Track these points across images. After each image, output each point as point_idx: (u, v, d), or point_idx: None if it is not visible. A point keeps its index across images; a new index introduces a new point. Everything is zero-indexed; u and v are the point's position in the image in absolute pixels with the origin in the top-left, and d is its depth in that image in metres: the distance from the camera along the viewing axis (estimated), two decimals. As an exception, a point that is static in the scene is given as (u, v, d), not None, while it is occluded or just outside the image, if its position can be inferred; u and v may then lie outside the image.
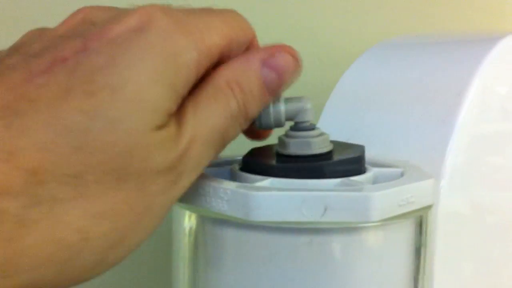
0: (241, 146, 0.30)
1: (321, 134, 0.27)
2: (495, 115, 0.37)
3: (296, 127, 0.27)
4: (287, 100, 0.27)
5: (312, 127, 0.27)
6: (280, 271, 0.24)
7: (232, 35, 0.23)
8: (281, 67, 0.23)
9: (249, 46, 0.24)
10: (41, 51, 0.20)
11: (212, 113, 0.22)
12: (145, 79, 0.19)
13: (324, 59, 0.58)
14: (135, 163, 0.19)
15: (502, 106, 0.37)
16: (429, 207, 0.26)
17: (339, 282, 0.24)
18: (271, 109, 0.26)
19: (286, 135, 0.27)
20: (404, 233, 0.26)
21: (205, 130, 0.21)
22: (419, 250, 0.27)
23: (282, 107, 0.26)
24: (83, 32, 0.20)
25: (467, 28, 0.70)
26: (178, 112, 0.21)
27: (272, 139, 0.29)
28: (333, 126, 0.37)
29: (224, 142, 0.23)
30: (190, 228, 0.27)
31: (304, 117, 0.27)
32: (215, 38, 0.22)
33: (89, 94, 0.19)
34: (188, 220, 0.27)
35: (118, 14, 0.21)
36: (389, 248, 0.26)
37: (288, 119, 0.27)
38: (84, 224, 0.19)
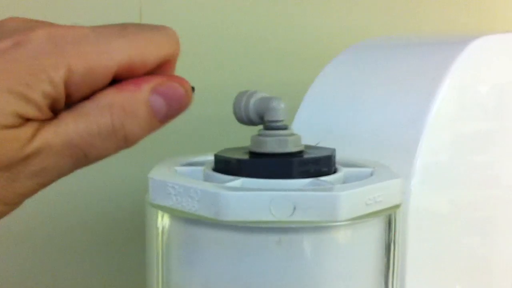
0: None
1: (293, 134, 0.28)
2: (475, 114, 0.37)
3: (269, 126, 0.27)
4: (261, 99, 0.28)
5: (284, 127, 0.27)
6: (251, 269, 0.25)
7: (133, 55, 0.24)
8: (170, 95, 0.25)
9: (164, 64, 0.25)
10: None
11: (76, 127, 0.23)
12: None
13: (300, 60, 0.58)
14: None
15: (482, 105, 0.38)
16: (397, 206, 0.27)
17: (309, 280, 0.25)
18: (243, 108, 0.27)
19: (259, 134, 0.28)
20: (373, 232, 0.27)
21: (61, 142, 0.23)
22: (388, 247, 0.28)
23: (253, 106, 0.27)
24: None
25: (449, 27, 0.70)
26: (52, 120, 0.23)
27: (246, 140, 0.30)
28: (307, 127, 0.38)
29: (87, 157, 0.24)
30: (163, 228, 0.27)
31: (276, 116, 0.27)
32: (104, 59, 0.23)
33: None
34: (161, 220, 0.27)
35: (16, 29, 0.23)
36: (359, 246, 0.26)
37: (261, 118, 0.28)
38: None
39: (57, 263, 0.51)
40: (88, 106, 0.24)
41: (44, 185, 0.24)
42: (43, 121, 0.23)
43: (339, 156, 0.29)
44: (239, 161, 0.27)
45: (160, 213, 0.26)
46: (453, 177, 0.36)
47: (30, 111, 0.22)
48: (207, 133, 0.54)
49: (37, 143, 0.22)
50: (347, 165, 0.29)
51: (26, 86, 0.22)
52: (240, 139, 0.31)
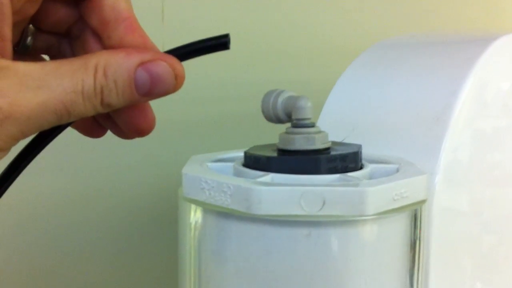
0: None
1: (320, 131, 0.28)
2: (496, 111, 0.37)
3: (296, 124, 0.28)
4: (288, 98, 0.29)
5: (311, 125, 0.28)
6: (280, 262, 0.25)
7: None
8: (157, 75, 0.24)
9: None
10: None
11: (62, 85, 0.23)
12: None
13: (324, 59, 0.59)
14: None
15: (504, 102, 0.38)
16: (422, 201, 0.27)
17: (337, 273, 0.26)
18: (271, 106, 0.28)
19: (286, 131, 0.29)
20: (399, 227, 0.27)
21: (48, 96, 0.23)
22: (414, 244, 0.28)
23: (281, 105, 0.28)
24: None
25: (466, 26, 0.71)
26: (36, 62, 0.23)
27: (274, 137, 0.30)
28: (332, 125, 0.38)
29: (69, 114, 0.23)
30: (196, 222, 0.28)
31: (303, 115, 0.28)
32: None
33: None
34: (193, 214, 0.28)
35: None
36: (385, 241, 0.27)
37: (289, 116, 0.28)
38: None
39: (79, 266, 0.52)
40: (77, 63, 0.24)
41: (25, 136, 0.23)
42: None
43: (365, 153, 0.29)
44: (268, 157, 0.28)
45: (193, 207, 0.27)
46: (474, 175, 0.36)
47: None
48: (234, 130, 0.55)
49: (18, 89, 0.22)
50: (374, 161, 0.30)
51: None
52: (264, 137, 0.32)
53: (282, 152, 0.28)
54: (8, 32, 0.23)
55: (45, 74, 0.23)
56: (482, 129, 0.37)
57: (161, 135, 0.51)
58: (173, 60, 0.25)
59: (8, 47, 0.24)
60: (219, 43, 0.26)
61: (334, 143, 0.29)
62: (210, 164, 0.29)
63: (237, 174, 0.28)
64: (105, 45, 0.27)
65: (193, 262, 0.28)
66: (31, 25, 0.28)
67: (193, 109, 0.52)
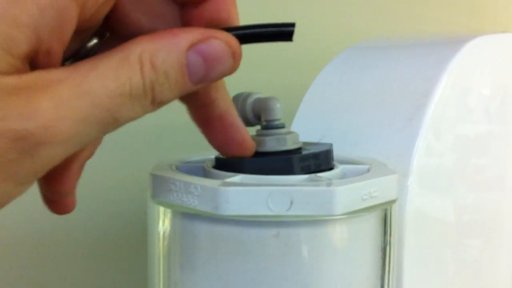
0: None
1: (290, 132, 0.28)
2: (473, 113, 0.38)
3: (266, 126, 0.28)
4: (257, 100, 0.29)
5: (281, 125, 0.28)
6: (249, 262, 0.25)
7: None
8: (211, 55, 0.20)
9: None
10: None
11: (105, 88, 0.19)
12: None
13: (298, 63, 0.59)
14: None
15: (479, 104, 0.38)
16: (392, 201, 0.27)
17: (306, 273, 0.25)
18: (239, 109, 0.27)
19: (257, 133, 0.28)
20: (369, 227, 0.27)
21: (89, 104, 0.18)
22: (384, 244, 0.28)
23: (250, 107, 0.28)
24: None
25: (449, 29, 0.71)
26: (68, 67, 0.19)
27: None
28: (306, 127, 0.38)
29: (115, 121, 0.19)
30: (164, 224, 0.27)
31: (273, 116, 0.28)
32: None
33: None
34: (162, 216, 0.27)
35: None
36: (355, 241, 0.27)
37: (257, 118, 0.28)
38: None
39: (59, 267, 0.52)
40: (117, 58, 0.19)
41: (63, 157, 0.19)
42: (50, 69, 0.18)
43: (337, 155, 0.29)
44: (238, 159, 0.27)
45: (161, 209, 0.27)
46: (456, 179, 0.36)
47: (25, 42, 0.17)
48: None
49: (53, 105, 0.18)
50: (345, 162, 0.30)
51: (11, 1, 0.17)
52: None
53: (254, 153, 0.28)
54: (58, 49, 0.19)
55: (82, 78, 0.18)
56: (461, 132, 0.37)
57: (143, 139, 0.50)
58: (227, 35, 0.21)
59: (55, 63, 0.19)
60: (284, 32, 0.22)
61: (305, 143, 0.29)
62: (179, 165, 0.29)
63: (206, 175, 0.28)
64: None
65: (162, 266, 0.28)
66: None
67: (170, 112, 0.52)
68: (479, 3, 0.78)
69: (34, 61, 0.18)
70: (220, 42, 0.21)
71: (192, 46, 0.20)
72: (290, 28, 0.22)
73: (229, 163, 0.28)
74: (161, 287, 0.28)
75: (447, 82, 0.35)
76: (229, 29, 0.22)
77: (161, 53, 0.20)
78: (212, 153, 0.30)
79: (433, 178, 0.35)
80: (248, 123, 0.29)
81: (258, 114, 0.28)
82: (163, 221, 0.27)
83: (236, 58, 0.21)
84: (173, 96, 0.20)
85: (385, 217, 0.28)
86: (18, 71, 0.18)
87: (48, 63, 0.19)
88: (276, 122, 0.28)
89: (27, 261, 0.50)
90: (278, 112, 0.28)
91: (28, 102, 0.17)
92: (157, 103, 0.20)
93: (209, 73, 0.21)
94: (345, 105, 0.38)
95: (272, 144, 0.28)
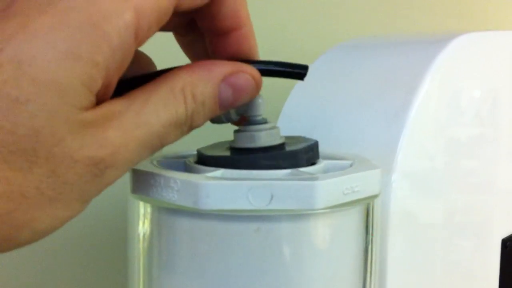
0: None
1: (273, 127, 0.28)
2: (458, 111, 0.37)
3: (249, 121, 0.28)
4: None
5: (264, 121, 0.28)
6: (230, 257, 0.25)
7: None
8: (240, 86, 0.24)
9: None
10: None
11: (158, 118, 0.21)
12: (54, 54, 0.18)
13: (285, 60, 0.59)
14: (44, 147, 0.18)
15: (476, 110, 0.38)
16: (374, 196, 0.27)
17: (287, 268, 0.25)
18: None
19: (240, 129, 0.28)
20: (351, 222, 0.27)
21: (146, 133, 0.21)
22: (366, 240, 0.28)
23: None
24: None
25: (439, 29, 0.71)
26: (124, 99, 0.21)
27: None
28: (291, 124, 0.38)
29: (161, 146, 0.22)
30: (145, 219, 0.27)
31: (255, 112, 0.28)
32: None
33: None
34: (143, 211, 0.27)
35: None
36: (336, 236, 0.26)
37: (240, 114, 0.28)
38: None
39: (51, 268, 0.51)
40: (164, 90, 0.22)
41: (121, 176, 0.21)
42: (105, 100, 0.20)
43: (321, 151, 0.29)
44: (220, 154, 0.27)
45: (142, 204, 0.27)
46: (445, 181, 0.36)
47: (99, 81, 0.19)
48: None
49: (122, 132, 0.20)
50: (328, 158, 0.30)
51: (95, 46, 0.18)
52: (221, 136, 0.31)
53: (236, 149, 0.28)
54: (116, 81, 0.21)
55: (139, 109, 0.21)
56: (455, 137, 0.37)
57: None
58: (252, 69, 0.24)
59: (111, 92, 0.21)
60: (297, 73, 0.26)
61: (289, 138, 0.29)
62: (161, 160, 0.29)
63: (188, 170, 0.28)
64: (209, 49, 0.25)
65: (142, 264, 0.28)
66: None
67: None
68: (468, 5, 0.78)
69: (97, 93, 0.20)
70: (248, 76, 0.24)
71: (224, 79, 0.23)
72: (303, 71, 0.26)
73: (210, 158, 0.27)
74: (141, 284, 0.28)
75: (433, 80, 0.35)
76: (251, 62, 0.25)
77: (199, 85, 0.22)
78: (194, 150, 0.30)
79: (423, 180, 0.35)
80: (229, 119, 0.29)
81: (240, 111, 0.28)
82: (144, 216, 0.27)
83: (258, 88, 0.25)
84: (204, 121, 0.23)
85: (367, 213, 0.28)
86: (93, 106, 0.20)
87: (108, 93, 0.21)
88: (259, 118, 0.28)
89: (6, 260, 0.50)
90: (260, 107, 0.28)
91: (100, 133, 0.20)
92: (192, 128, 0.23)
93: (236, 100, 0.24)
94: (330, 102, 0.38)
95: (254, 139, 0.27)
